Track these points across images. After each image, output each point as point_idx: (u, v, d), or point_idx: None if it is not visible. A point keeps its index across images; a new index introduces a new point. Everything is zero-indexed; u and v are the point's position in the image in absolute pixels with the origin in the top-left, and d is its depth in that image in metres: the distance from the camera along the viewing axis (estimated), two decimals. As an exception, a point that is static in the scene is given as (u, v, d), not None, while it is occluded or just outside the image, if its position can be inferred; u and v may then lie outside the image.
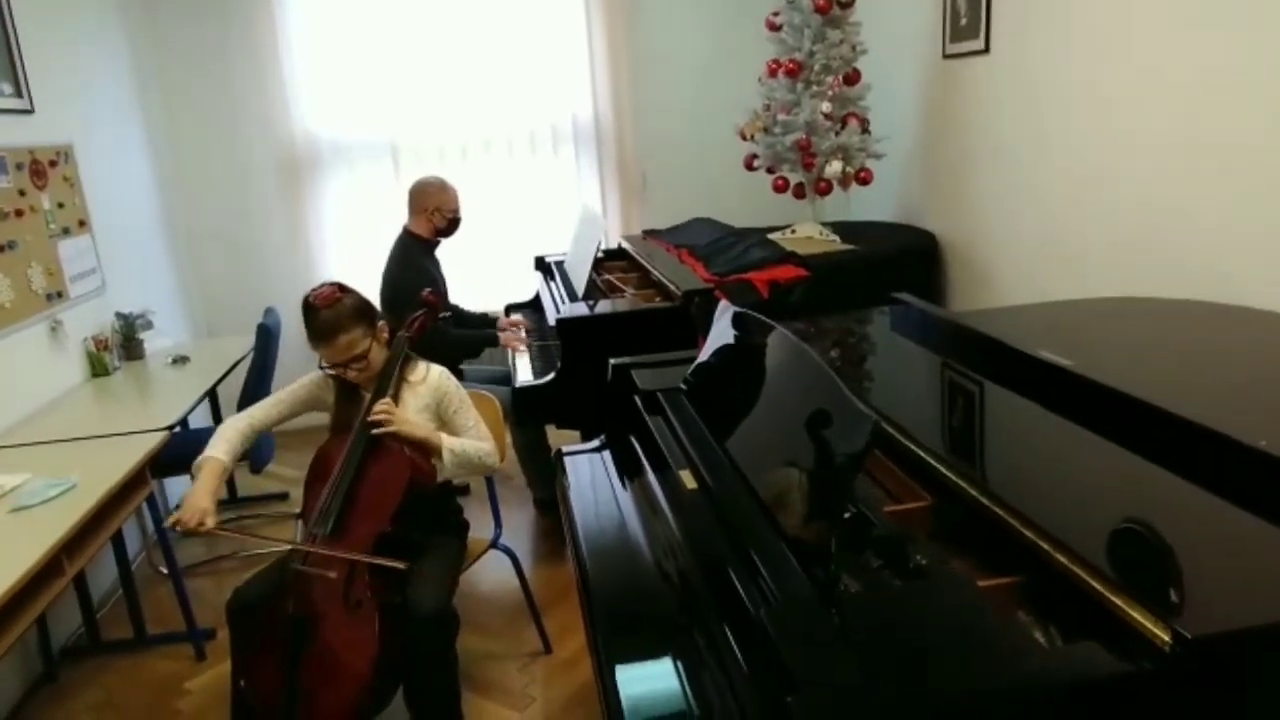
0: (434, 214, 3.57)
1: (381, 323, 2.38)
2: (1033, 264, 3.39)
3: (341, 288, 2.31)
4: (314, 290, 2.29)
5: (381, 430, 2.26)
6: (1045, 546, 1.20)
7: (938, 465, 1.48)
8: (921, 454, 1.52)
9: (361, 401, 2.36)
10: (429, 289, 2.79)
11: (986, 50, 3.49)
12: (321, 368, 2.35)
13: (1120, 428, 1.51)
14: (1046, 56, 3.17)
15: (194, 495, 2.16)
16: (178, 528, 2.13)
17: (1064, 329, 2.23)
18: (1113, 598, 1.07)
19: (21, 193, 3.11)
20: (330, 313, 2.24)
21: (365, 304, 2.34)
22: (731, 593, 1.36)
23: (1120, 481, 1.42)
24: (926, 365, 2.09)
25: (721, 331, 2.04)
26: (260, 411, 2.40)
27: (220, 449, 2.28)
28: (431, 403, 2.42)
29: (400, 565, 2.12)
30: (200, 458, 2.26)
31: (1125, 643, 1.03)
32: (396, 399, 2.37)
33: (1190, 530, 1.26)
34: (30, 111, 3.26)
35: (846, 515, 1.40)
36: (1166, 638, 0.99)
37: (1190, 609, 1.05)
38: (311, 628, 2.06)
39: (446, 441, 2.36)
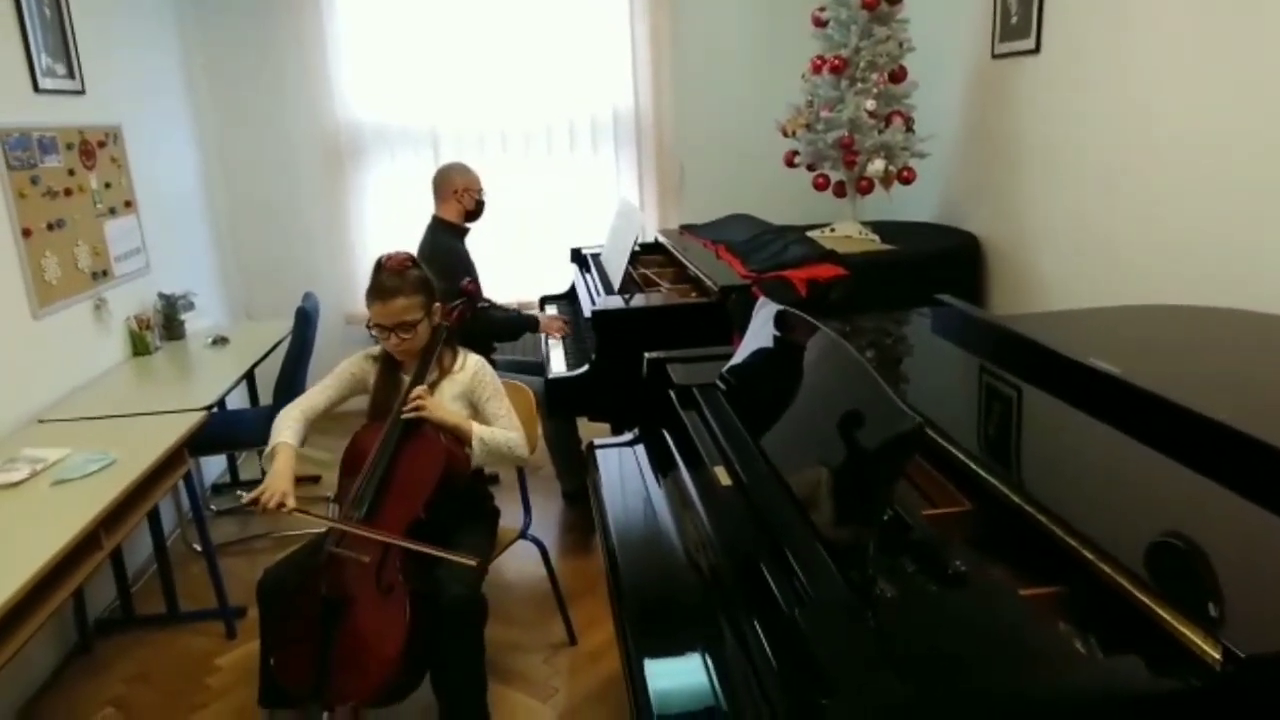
0: (463, 195, 3.56)
1: (437, 304, 2.41)
2: (1078, 268, 3.33)
3: (413, 259, 2.40)
4: (387, 254, 2.37)
5: (415, 414, 2.29)
6: (1090, 556, 1.17)
7: (979, 470, 1.45)
8: (962, 458, 1.49)
9: (400, 386, 2.39)
10: (469, 279, 2.80)
11: (1037, 50, 3.43)
12: (368, 328, 2.39)
13: (1167, 437, 1.47)
14: (1098, 58, 3.10)
15: (274, 477, 2.21)
16: (256, 507, 2.16)
17: (1110, 335, 2.18)
18: (1160, 611, 1.04)
19: (71, 172, 3.17)
20: (396, 276, 2.33)
21: (430, 280, 2.42)
22: (764, 590, 1.34)
23: (1167, 492, 1.38)
24: (967, 368, 2.05)
25: (759, 328, 2.02)
26: (308, 399, 2.43)
27: (286, 434, 2.31)
28: (467, 390, 2.45)
29: (438, 552, 2.13)
30: (270, 446, 2.30)
31: (1173, 659, 1.00)
32: (434, 387, 2.40)
33: (1241, 544, 1.22)
34: (81, 93, 3.32)
35: (885, 518, 1.38)
36: (1217, 655, 0.96)
37: (1242, 626, 1.01)
38: (343, 610, 2.08)
39: (477, 430, 2.38)
